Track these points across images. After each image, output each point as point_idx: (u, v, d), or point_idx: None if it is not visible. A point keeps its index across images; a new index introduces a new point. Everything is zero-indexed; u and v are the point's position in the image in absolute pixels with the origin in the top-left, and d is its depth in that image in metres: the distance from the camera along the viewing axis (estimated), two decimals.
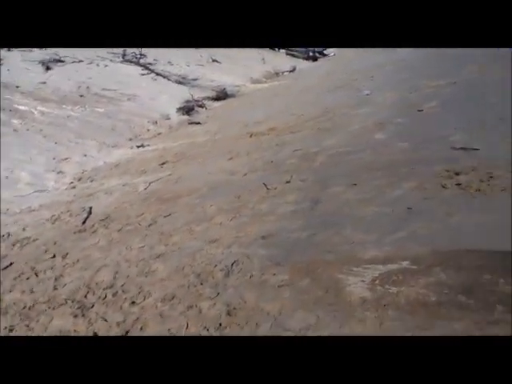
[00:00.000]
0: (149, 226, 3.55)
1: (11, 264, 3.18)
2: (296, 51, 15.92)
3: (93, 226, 3.71)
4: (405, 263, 2.37)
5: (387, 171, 3.70)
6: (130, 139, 6.80)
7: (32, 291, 2.76)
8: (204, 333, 2.12)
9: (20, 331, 2.34)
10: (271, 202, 3.63)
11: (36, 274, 2.97)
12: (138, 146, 6.39)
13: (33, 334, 2.31)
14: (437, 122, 4.87)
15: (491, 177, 3.04)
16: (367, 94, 7.45)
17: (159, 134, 7.18)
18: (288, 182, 4.05)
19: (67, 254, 3.24)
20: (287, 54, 15.98)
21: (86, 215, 3.95)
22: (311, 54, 15.69)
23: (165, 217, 3.69)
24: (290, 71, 13.36)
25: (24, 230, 3.82)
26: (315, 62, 15.24)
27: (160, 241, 3.24)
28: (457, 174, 3.24)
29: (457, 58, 8.98)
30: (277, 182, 4.05)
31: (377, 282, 2.26)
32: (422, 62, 9.62)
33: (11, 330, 2.36)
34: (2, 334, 2.34)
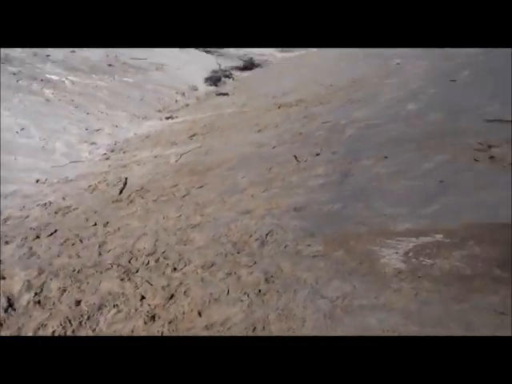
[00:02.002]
0: (183, 196, 3.68)
1: (56, 231, 3.37)
2: None
3: (129, 196, 3.85)
4: (438, 236, 2.42)
5: (418, 144, 3.70)
6: (159, 110, 6.91)
7: (79, 256, 2.94)
8: (244, 298, 2.25)
9: (72, 292, 2.52)
10: (302, 174, 3.69)
11: (81, 241, 3.15)
12: (167, 118, 6.49)
13: (84, 296, 2.49)
14: (470, 93, 4.78)
15: None
16: (398, 64, 7.30)
17: (187, 105, 7.25)
18: (318, 154, 4.09)
19: (108, 222, 3.40)
20: None
21: (122, 186, 4.10)
22: None
23: (198, 188, 3.80)
24: None
25: (64, 199, 4.00)
26: None
27: (195, 211, 3.37)
28: (490, 146, 3.21)
29: None
30: (306, 155, 4.10)
31: (411, 254, 2.33)
32: None
33: (64, 291, 2.55)
34: (56, 295, 2.53)
